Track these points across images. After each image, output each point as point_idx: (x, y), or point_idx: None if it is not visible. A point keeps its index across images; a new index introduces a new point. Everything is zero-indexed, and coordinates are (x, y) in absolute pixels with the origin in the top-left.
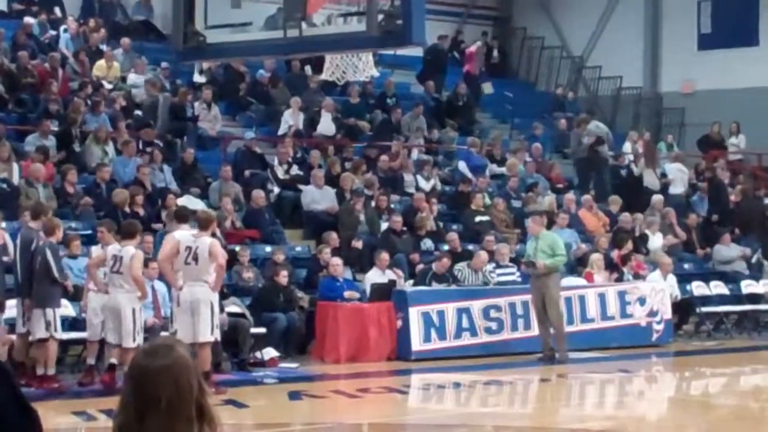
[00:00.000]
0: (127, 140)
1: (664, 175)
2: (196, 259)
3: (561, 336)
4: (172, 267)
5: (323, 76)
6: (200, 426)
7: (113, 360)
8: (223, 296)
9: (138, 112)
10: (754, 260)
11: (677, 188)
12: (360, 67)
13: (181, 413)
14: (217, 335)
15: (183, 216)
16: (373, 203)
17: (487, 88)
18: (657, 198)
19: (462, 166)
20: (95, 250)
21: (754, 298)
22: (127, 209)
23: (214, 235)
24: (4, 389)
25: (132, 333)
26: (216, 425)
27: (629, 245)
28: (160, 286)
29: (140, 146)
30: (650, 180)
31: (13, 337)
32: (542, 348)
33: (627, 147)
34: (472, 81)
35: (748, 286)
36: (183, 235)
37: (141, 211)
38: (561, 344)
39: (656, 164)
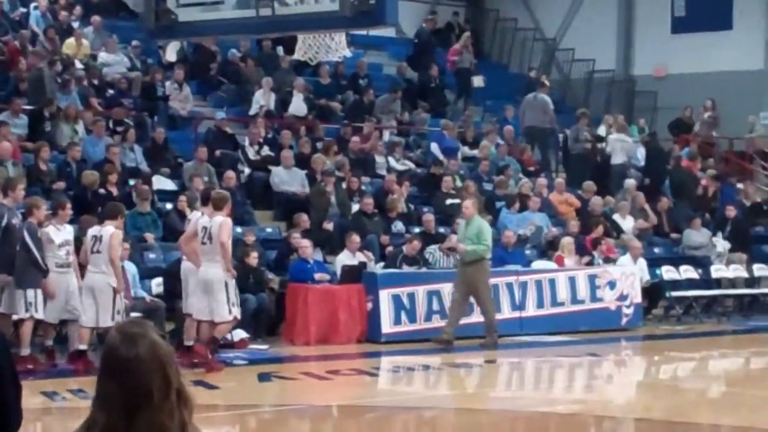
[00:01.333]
0: (97, 119)
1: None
2: (210, 238)
3: (491, 324)
4: (193, 247)
5: (295, 56)
6: (180, 411)
7: (83, 346)
8: None
9: (110, 91)
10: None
11: (618, 158)
12: (332, 47)
13: (167, 404)
14: (237, 313)
15: (206, 198)
16: (344, 185)
17: (478, 81)
18: (629, 182)
19: (434, 147)
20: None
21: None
22: (101, 190)
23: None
24: (5, 357)
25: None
26: (191, 405)
27: (600, 229)
28: (130, 266)
29: (111, 125)
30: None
31: None
32: (442, 333)
33: (602, 130)
34: (463, 74)
35: (717, 271)
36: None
37: (114, 191)
38: (491, 331)
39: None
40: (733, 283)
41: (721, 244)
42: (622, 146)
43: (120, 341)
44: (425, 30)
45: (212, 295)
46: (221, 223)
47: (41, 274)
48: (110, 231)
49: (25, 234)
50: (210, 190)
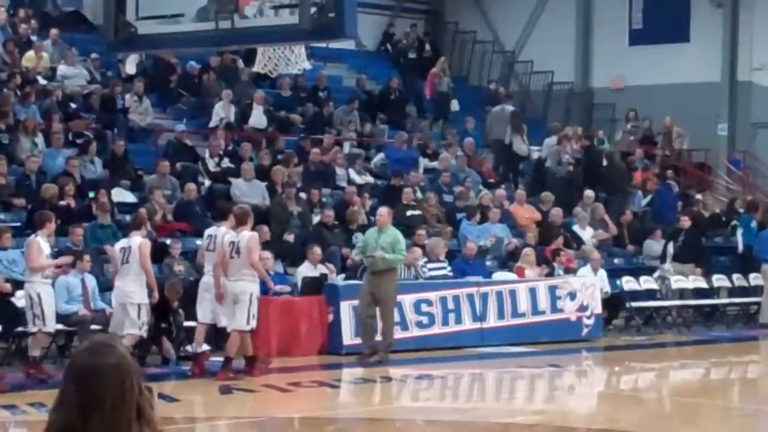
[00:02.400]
0: (56, 131)
1: None
2: (238, 252)
3: (388, 337)
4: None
5: (255, 69)
6: (140, 427)
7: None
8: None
9: (71, 104)
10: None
11: (551, 163)
12: (292, 60)
13: (123, 414)
14: (253, 325)
15: (224, 213)
16: (304, 196)
17: (454, 105)
18: (588, 193)
19: (380, 158)
20: None
21: (684, 293)
22: (60, 202)
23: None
24: None
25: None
26: (156, 426)
27: (559, 240)
28: (90, 280)
29: (71, 138)
30: (519, 147)
31: None
32: (364, 347)
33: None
34: (441, 99)
35: (677, 282)
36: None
37: (71, 203)
38: (386, 344)
39: (522, 133)
40: (682, 293)
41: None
42: (558, 151)
43: (86, 351)
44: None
45: (237, 305)
46: (249, 238)
47: None
48: (138, 241)
49: None
50: (230, 206)
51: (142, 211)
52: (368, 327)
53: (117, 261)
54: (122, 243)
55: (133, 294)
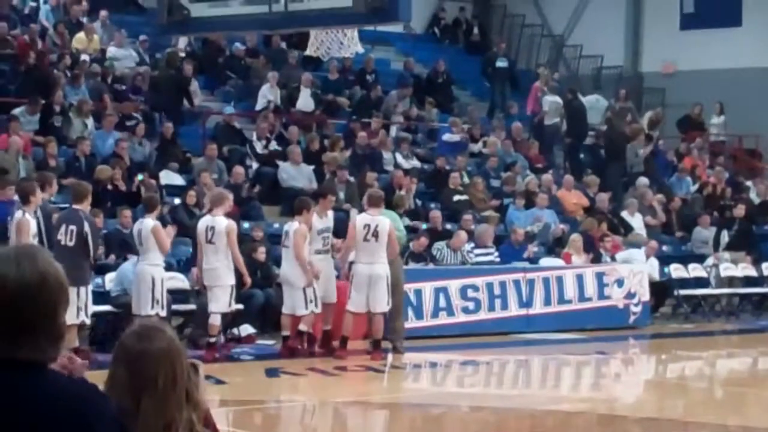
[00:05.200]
0: (110, 113)
1: None
2: (375, 236)
3: (399, 325)
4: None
5: (307, 52)
6: (189, 411)
7: None
8: None
9: (121, 86)
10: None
11: (551, 119)
12: (345, 44)
13: (174, 397)
14: (314, 309)
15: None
16: (353, 179)
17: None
18: (641, 180)
19: (447, 137)
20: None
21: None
22: (108, 185)
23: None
24: None
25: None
26: (202, 410)
27: (603, 226)
28: None
29: (118, 120)
30: None
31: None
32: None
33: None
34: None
35: (726, 270)
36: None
37: (121, 186)
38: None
39: None
40: (731, 281)
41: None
42: (556, 108)
43: (135, 336)
44: None
45: (376, 287)
46: (390, 223)
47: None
48: (150, 224)
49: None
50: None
51: (152, 198)
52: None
53: (201, 240)
54: (207, 221)
55: (221, 275)
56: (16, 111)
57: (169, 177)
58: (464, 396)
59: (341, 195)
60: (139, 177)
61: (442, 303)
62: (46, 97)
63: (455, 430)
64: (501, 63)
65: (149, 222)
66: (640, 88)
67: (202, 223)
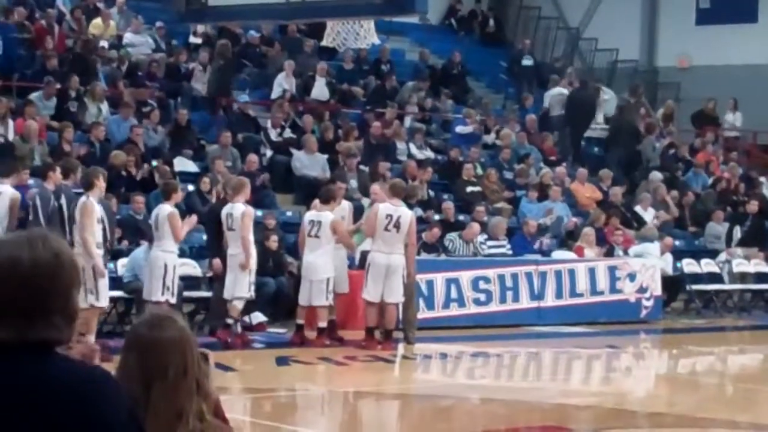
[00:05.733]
0: (127, 102)
1: None
2: (396, 227)
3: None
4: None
5: (324, 42)
6: (199, 402)
7: None
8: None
9: (137, 72)
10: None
11: (555, 111)
12: (361, 35)
13: (184, 386)
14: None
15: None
16: (365, 168)
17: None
18: (655, 174)
19: (460, 129)
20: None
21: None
22: (122, 171)
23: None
24: None
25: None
26: (212, 399)
27: (615, 220)
28: None
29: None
30: None
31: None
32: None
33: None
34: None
35: (738, 265)
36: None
37: (135, 172)
38: (405, 322)
39: None
40: (743, 277)
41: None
42: (560, 100)
43: (147, 324)
44: None
45: (393, 277)
46: (412, 214)
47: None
48: (167, 210)
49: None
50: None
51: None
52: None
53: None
54: (227, 209)
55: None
56: (33, 96)
57: (183, 164)
58: (474, 388)
59: (353, 184)
60: (153, 163)
61: (454, 294)
62: (84, 83)
63: (465, 421)
64: (527, 61)
65: (166, 208)
66: (655, 83)
67: (223, 211)
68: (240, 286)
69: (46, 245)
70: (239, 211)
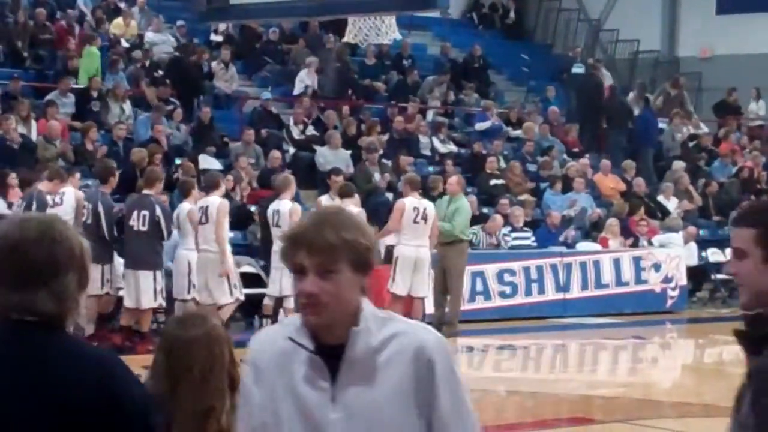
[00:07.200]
0: (151, 99)
1: None
2: (424, 219)
3: (455, 312)
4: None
5: (345, 39)
6: (232, 397)
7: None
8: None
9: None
10: None
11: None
12: (383, 30)
13: (213, 384)
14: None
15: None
16: (389, 163)
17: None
18: (678, 164)
19: (479, 126)
20: None
21: None
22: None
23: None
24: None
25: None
26: None
27: (641, 211)
28: None
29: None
30: None
31: None
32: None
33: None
34: None
35: None
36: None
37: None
38: (452, 315)
39: None
40: None
41: None
42: None
43: (176, 322)
44: None
45: (420, 271)
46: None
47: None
48: (186, 209)
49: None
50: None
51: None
52: (436, 297)
53: (270, 225)
54: (273, 206)
55: None
56: (51, 95)
57: (207, 161)
58: (501, 380)
59: (377, 177)
60: (177, 161)
61: (479, 287)
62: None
63: (492, 414)
64: (577, 69)
65: (185, 206)
66: (677, 73)
67: (270, 209)
68: (278, 283)
69: (38, 225)
70: (286, 207)
